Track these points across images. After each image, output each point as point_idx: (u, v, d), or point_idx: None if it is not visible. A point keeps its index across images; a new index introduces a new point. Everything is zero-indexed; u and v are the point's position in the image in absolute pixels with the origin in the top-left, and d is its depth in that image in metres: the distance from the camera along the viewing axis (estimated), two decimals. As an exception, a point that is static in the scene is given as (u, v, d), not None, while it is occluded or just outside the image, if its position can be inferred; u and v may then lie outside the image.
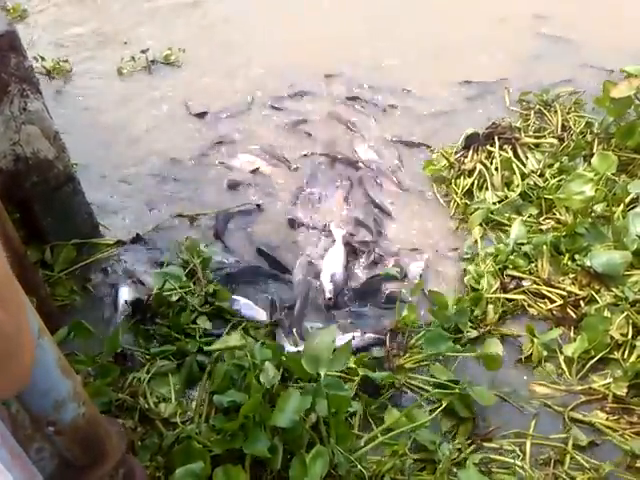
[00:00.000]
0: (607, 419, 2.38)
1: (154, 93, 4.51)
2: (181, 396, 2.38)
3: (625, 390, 2.43)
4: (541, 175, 3.47)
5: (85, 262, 3.01)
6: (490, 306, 2.82)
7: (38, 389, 1.42)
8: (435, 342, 2.47)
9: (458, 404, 2.34)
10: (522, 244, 3.05)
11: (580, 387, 2.51)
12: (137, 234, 3.25)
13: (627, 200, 3.12)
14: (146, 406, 2.28)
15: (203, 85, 4.58)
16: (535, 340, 2.62)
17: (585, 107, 4.03)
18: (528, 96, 4.21)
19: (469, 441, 2.28)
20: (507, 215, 3.27)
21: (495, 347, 2.46)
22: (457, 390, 2.33)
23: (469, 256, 3.12)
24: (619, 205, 3.11)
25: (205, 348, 2.42)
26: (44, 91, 2.66)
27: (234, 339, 2.27)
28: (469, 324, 2.73)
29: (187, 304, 2.64)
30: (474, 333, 2.70)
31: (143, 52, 4.75)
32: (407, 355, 2.58)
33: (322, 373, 2.00)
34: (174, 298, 2.67)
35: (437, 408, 2.32)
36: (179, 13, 5.50)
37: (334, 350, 2.06)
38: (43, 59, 4.67)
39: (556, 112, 3.95)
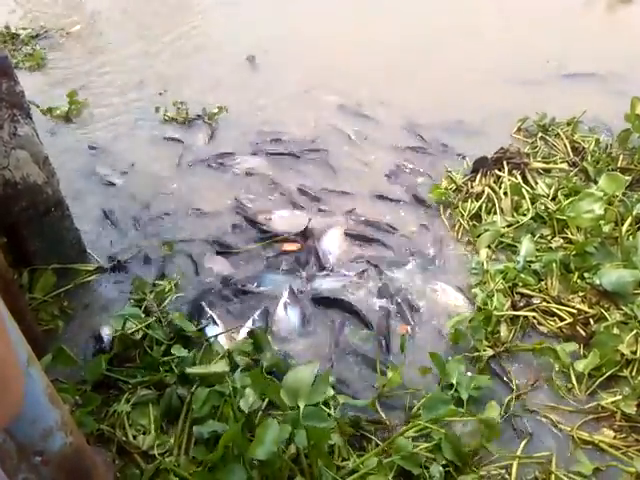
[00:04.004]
0: (615, 437, 2.33)
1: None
2: (161, 427, 2.29)
3: (634, 408, 2.38)
4: (553, 199, 3.47)
5: (65, 288, 2.95)
6: (503, 325, 2.78)
7: (26, 418, 1.41)
8: (434, 407, 2.17)
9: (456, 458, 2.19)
10: (531, 262, 3.04)
11: (589, 405, 2.47)
12: (118, 261, 3.20)
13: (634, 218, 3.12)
14: (124, 438, 2.22)
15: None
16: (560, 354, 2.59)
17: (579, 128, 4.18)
18: (526, 122, 4.33)
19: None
20: (520, 238, 3.23)
21: (494, 412, 2.30)
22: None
23: (477, 274, 3.09)
24: (630, 224, 3.11)
25: (187, 371, 2.34)
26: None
27: (218, 366, 2.22)
28: (485, 342, 2.69)
29: (152, 340, 2.56)
30: (490, 352, 2.67)
31: (182, 103, 4.69)
32: (409, 424, 2.31)
33: (301, 405, 1.91)
34: (138, 337, 2.58)
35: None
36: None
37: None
38: (73, 95, 4.69)
39: (558, 135, 4.03)
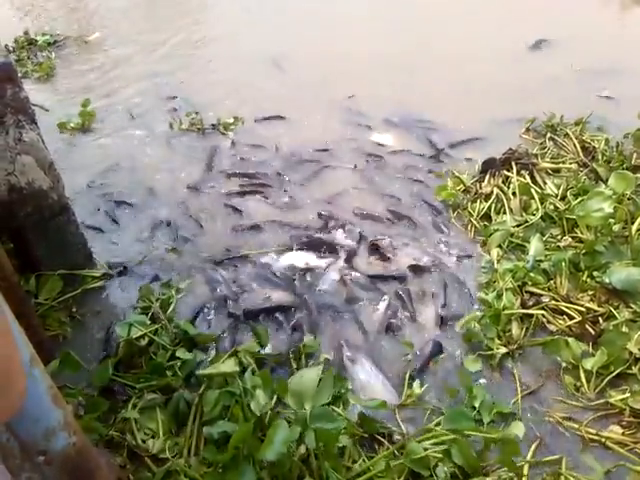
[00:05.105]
0: (623, 434, 2.33)
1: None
2: (169, 431, 2.31)
3: (643, 404, 2.39)
4: (562, 198, 3.47)
5: (71, 294, 2.96)
6: (514, 323, 2.79)
7: (29, 418, 1.42)
8: (456, 420, 2.14)
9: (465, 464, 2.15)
10: (541, 261, 3.03)
11: (597, 401, 2.48)
12: (124, 267, 3.21)
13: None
14: (134, 443, 2.23)
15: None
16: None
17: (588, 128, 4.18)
18: (535, 123, 4.34)
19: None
20: (529, 238, 3.21)
21: (518, 429, 2.26)
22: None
23: (487, 273, 3.11)
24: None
25: (197, 373, 2.35)
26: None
27: (228, 365, 2.21)
28: (497, 341, 2.71)
29: (158, 346, 2.56)
30: (503, 350, 2.68)
31: (197, 113, 4.70)
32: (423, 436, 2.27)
33: (307, 408, 1.91)
34: (143, 344, 2.58)
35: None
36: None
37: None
38: (87, 105, 4.70)
39: (567, 135, 4.03)
